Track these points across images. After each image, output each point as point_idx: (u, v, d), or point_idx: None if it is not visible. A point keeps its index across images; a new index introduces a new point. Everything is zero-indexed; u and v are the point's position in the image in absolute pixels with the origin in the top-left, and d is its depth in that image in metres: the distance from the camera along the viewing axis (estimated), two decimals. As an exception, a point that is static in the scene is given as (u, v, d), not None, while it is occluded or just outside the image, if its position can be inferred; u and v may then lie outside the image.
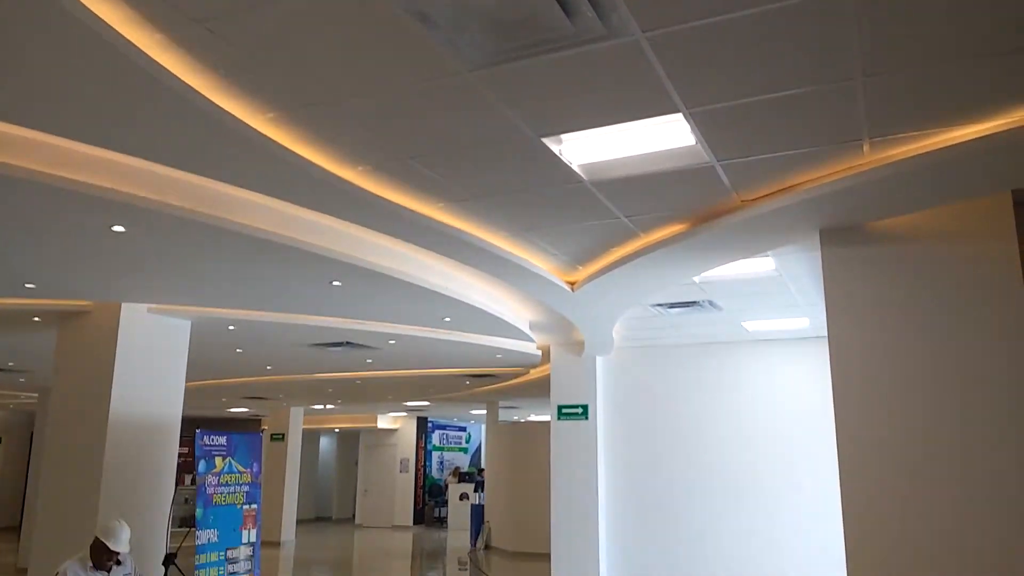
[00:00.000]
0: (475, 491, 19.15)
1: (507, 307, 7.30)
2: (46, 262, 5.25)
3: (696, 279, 6.24)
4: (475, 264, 5.38)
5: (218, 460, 6.78)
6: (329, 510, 23.87)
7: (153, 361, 7.02)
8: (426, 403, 17.13)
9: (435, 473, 22.33)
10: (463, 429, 24.09)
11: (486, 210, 4.51)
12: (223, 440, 6.84)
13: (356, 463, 22.60)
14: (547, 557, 9.37)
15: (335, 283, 5.78)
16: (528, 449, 14.59)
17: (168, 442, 7.08)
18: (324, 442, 24.82)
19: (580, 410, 9.35)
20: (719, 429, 8.93)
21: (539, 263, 5.62)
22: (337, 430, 23.32)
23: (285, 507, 17.16)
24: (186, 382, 12.91)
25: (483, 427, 22.47)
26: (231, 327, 7.64)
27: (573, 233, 4.97)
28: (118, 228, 4.46)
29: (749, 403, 8.88)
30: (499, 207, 4.46)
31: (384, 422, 21.60)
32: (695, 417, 9.06)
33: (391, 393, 14.50)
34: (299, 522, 21.09)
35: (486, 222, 4.73)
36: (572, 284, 6.08)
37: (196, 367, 10.64)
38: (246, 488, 7.06)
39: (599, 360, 9.44)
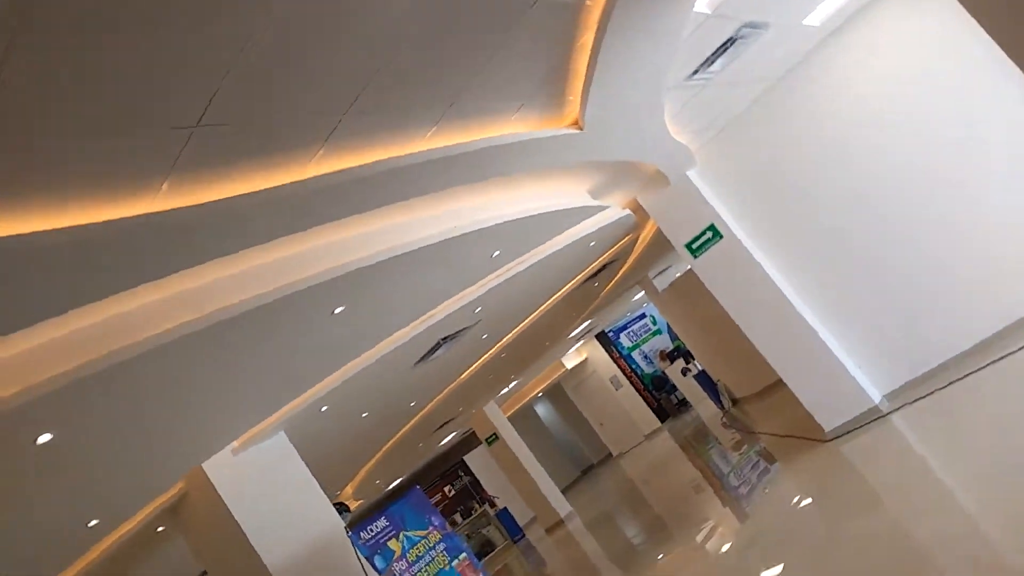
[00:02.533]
0: (688, 362, 18.20)
1: (539, 195, 5.91)
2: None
3: (706, 9, 4.62)
4: (439, 184, 4.07)
5: (392, 543, 5.94)
6: (587, 458, 23.55)
7: (273, 494, 6.25)
8: (587, 322, 16.02)
9: (647, 369, 21.34)
10: (643, 316, 22.83)
11: (373, 114, 3.19)
12: (384, 522, 5.98)
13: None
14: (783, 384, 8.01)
15: (337, 311, 4.65)
16: (699, 297, 13.17)
17: (343, 551, 6.33)
18: (540, 409, 24.48)
19: (710, 234, 7.84)
20: (871, 155, 7.19)
21: (517, 127, 4.22)
22: (539, 393, 22.82)
23: (543, 488, 16.54)
24: (363, 464, 12.58)
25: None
26: (323, 408, 6.76)
27: (497, 62, 3.53)
28: (44, 437, 3.53)
29: (885, 103, 7.06)
30: (380, 93, 3.12)
31: (570, 360, 20.83)
32: (840, 160, 7.32)
33: (545, 339, 13.47)
34: (567, 489, 20.83)
35: (392, 128, 3.40)
36: (575, 124, 4.63)
37: (353, 454, 10.03)
38: (442, 547, 6.19)
39: (692, 174, 7.85)
